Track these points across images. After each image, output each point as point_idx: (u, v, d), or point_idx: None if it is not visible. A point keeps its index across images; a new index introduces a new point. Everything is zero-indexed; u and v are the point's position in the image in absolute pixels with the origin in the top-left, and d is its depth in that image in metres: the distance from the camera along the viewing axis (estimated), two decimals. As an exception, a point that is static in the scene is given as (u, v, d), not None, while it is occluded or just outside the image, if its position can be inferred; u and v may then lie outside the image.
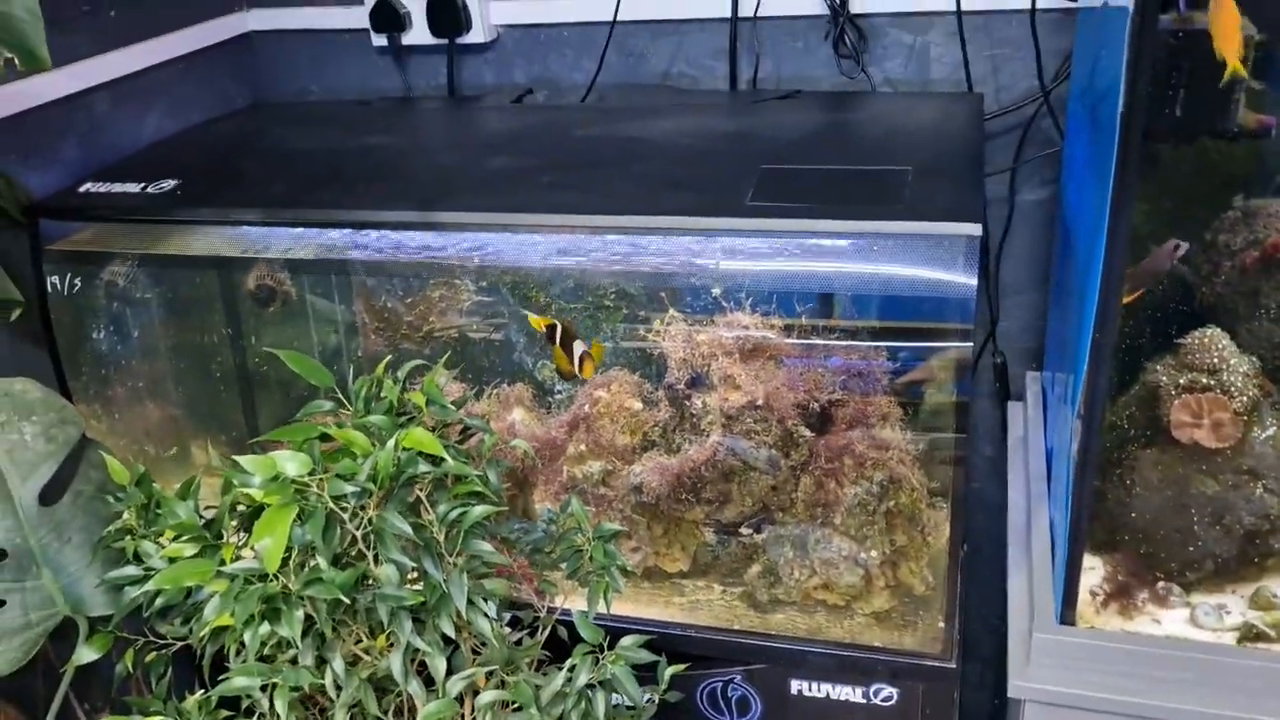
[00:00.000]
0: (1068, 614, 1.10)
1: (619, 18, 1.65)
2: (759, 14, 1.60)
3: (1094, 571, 1.16)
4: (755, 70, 1.64)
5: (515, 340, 1.46)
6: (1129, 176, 0.95)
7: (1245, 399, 1.11)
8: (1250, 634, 1.09)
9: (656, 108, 1.54)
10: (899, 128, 1.40)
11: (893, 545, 1.26)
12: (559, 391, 1.44)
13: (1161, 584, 1.14)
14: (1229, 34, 0.94)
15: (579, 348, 1.22)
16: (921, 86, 1.59)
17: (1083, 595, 1.13)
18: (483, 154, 1.43)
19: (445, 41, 1.73)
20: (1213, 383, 1.12)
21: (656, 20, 1.67)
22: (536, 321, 1.33)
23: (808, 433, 1.30)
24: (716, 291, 1.31)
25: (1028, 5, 1.47)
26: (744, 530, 1.38)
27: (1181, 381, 1.13)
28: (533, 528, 1.20)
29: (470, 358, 1.49)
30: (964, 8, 1.51)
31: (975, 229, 1.06)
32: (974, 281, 1.09)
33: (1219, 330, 1.14)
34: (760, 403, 1.29)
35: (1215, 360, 1.12)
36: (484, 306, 1.45)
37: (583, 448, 1.38)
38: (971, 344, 1.15)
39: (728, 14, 1.61)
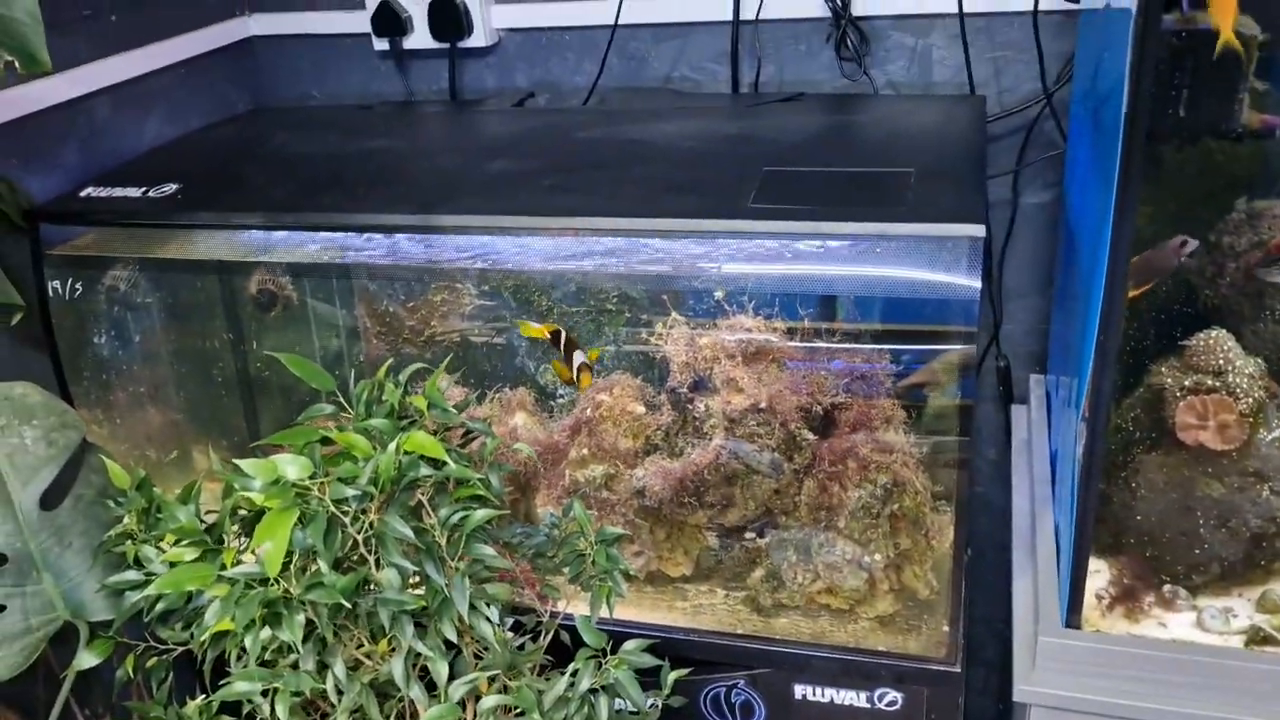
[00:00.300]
0: (1073, 618, 1.10)
1: (620, 21, 1.65)
2: (760, 17, 1.60)
3: (1099, 575, 1.16)
4: (757, 73, 1.64)
5: (517, 344, 1.45)
6: (1133, 178, 0.94)
7: (1251, 400, 1.11)
8: (1257, 637, 1.08)
9: (658, 111, 1.54)
10: (901, 130, 1.40)
11: (896, 549, 1.26)
12: (561, 395, 1.44)
13: (1167, 587, 1.13)
14: (1225, 3, 0.93)
15: (578, 358, 1.21)
16: (924, 89, 1.59)
17: (1088, 599, 1.13)
18: (484, 157, 1.42)
19: (446, 45, 1.73)
20: (1218, 384, 1.11)
21: (658, 24, 1.66)
22: (536, 330, 1.33)
23: (811, 436, 1.29)
24: (719, 294, 1.31)
25: (1030, 7, 1.47)
26: (747, 534, 1.38)
27: (1186, 383, 1.12)
28: (535, 532, 1.19)
29: (472, 362, 1.49)
30: (965, 10, 1.51)
31: (979, 230, 1.06)
32: (977, 283, 1.09)
33: (1224, 332, 1.13)
34: (763, 406, 1.28)
35: (1220, 362, 1.12)
36: (486, 310, 1.45)
37: (585, 452, 1.37)
38: (975, 346, 1.15)
39: (729, 17, 1.61)
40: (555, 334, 1.29)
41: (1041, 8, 1.47)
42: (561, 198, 1.24)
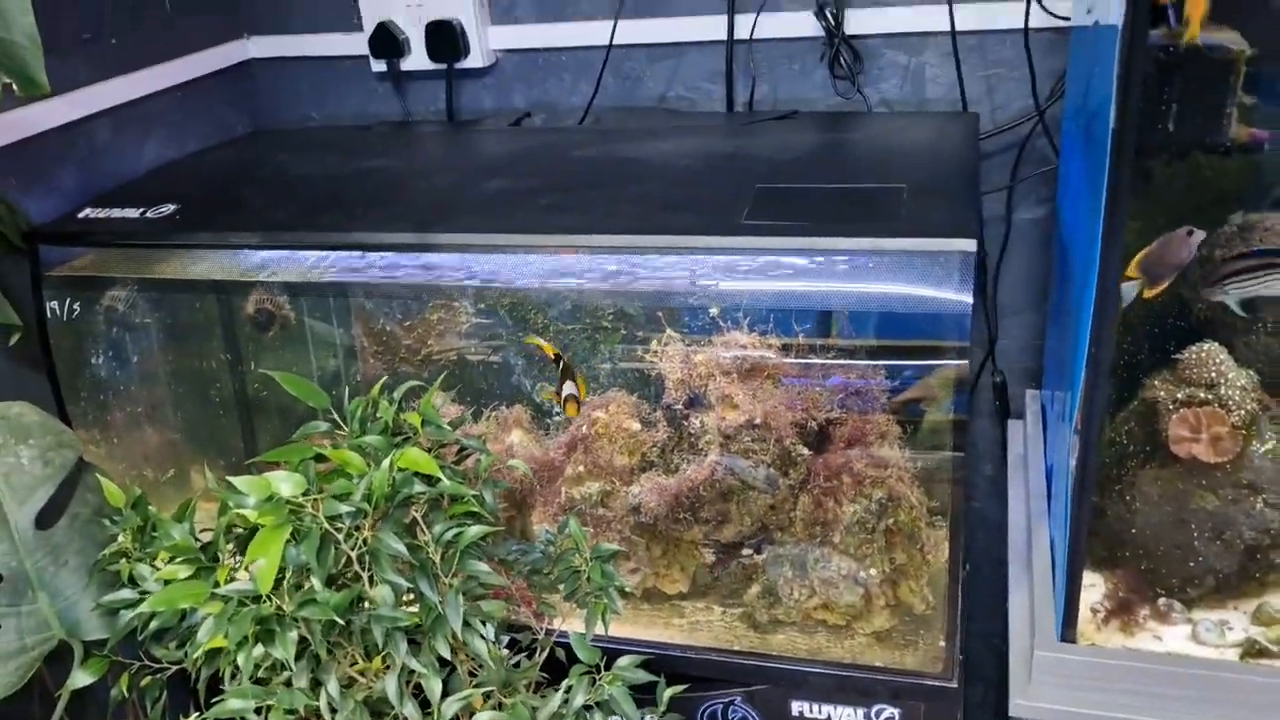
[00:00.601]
0: (1068, 632, 1.10)
1: (616, 42, 1.67)
2: (755, 36, 1.61)
3: (1095, 589, 1.16)
4: (752, 92, 1.65)
5: (514, 362, 1.46)
6: (1122, 193, 0.95)
7: (1243, 413, 1.11)
8: (1253, 650, 1.08)
9: (653, 129, 1.55)
10: (895, 147, 1.41)
11: (892, 564, 1.26)
12: (557, 413, 1.44)
13: (1163, 600, 1.13)
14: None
15: (568, 389, 1.22)
16: (918, 106, 1.60)
17: (1084, 613, 1.13)
18: (481, 176, 1.43)
19: (444, 67, 1.74)
20: (1210, 397, 1.11)
21: (653, 44, 1.68)
22: (543, 345, 1.33)
23: (806, 451, 1.30)
24: (714, 311, 1.32)
25: (1021, 25, 1.48)
26: (744, 550, 1.38)
27: (1179, 396, 1.13)
28: (531, 549, 1.20)
29: (469, 380, 1.49)
30: (958, 28, 1.52)
31: (970, 244, 1.06)
32: (970, 298, 1.09)
33: (1216, 345, 1.14)
34: (758, 422, 1.29)
35: (1213, 374, 1.12)
36: (482, 329, 1.46)
37: (581, 469, 1.37)
38: (968, 361, 1.15)
39: (724, 36, 1.62)
40: (557, 358, 1.30)
41: (1032, 25, 1.49)
42: (557, 216, 1.25)
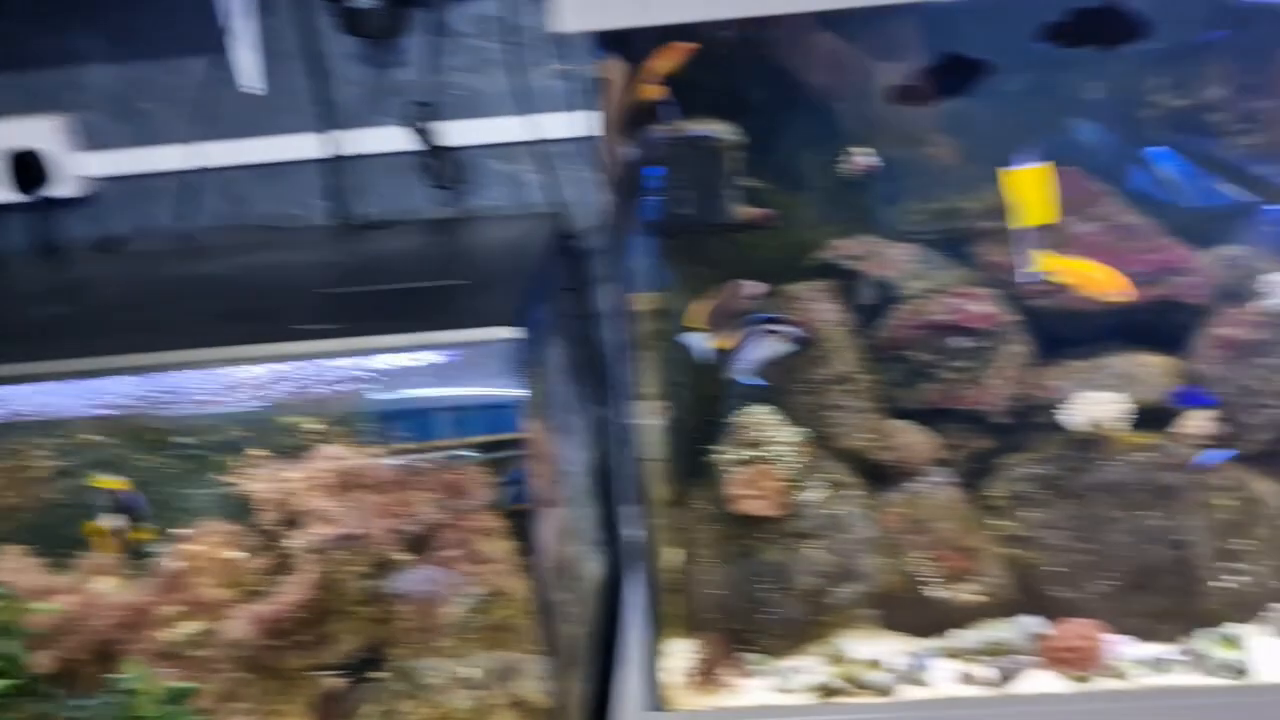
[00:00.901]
0: (654, 700, 1.12)
1: (221, 163, 1.63)
2: (357, 153, 1.63)
3: (691, 654, 1.19)
4: (357, 206, 1.65)
5: (92, 501, 1.35)
6: (631, 270, 1.02)
7: (791, 467, 1.19)
8: (829, 690, 1.14)
9: (249, 246, 1.52)
10: (474, 249, 1.45)
11: (501, 661, 1.24)
12: (148, 553, 1.34)
13: (744, 655, 1.18)
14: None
15: (110, 521, 1.15)
16: (522, 210, 1.66)
17: (678, 678, 1.16)
18: (47, 306, 1.35)
19: (32, 198, 1.64)
20: (760, 455, 1.19)
21: (257, 164, 1.66)
22: (110, 483, 1.25)
23: (407, 557, 1.27)
24: (307, 424, 1.28)
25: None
26: (364, 671, 1.32)
27: (736, 458, 1.20)
28: (89, 702, 1.09)
29: (53, 525, 1.36)
30: (551, 135, 1.60)
31: (513, 333, 1.09)
32: (518, 389, 1.12)
33: (762, 407, 1.23)
34: (354, 533, 1.25)
35: (760, 435, 1.20)
36: (55, 469, 1.34)
37: (177, 608, 1.28)
38: (530, 450, 1.17)
39: (328, 154, 1.63)
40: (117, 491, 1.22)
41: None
42: (106, 339, 1.19)
